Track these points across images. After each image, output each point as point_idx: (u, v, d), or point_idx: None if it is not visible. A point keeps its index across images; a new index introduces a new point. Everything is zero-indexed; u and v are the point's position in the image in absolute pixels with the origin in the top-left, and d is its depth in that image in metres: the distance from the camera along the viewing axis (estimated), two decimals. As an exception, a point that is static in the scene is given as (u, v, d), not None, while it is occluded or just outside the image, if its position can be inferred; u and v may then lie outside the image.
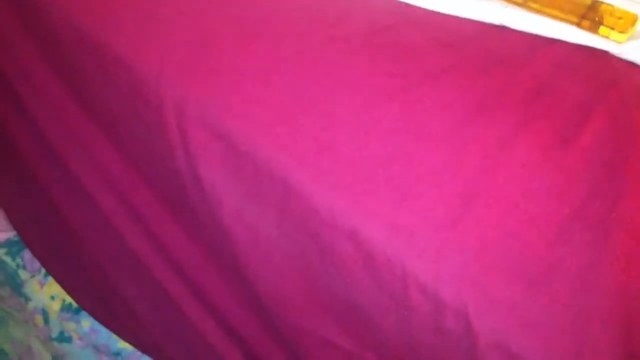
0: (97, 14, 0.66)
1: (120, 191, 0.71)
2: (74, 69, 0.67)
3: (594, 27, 0.65)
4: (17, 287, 0.90)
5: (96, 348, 0.88)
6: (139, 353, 0.85)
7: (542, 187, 0.54)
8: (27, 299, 0.90)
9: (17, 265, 0.90)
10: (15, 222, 0.87)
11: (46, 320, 0.89)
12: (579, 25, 0.65)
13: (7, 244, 0.90)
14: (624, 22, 0.65)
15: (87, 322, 0.87)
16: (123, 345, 0.85)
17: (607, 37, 0.65)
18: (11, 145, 0.79)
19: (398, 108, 0.59)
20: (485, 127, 0.57)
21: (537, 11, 0.65)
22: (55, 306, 0.88)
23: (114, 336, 0.85)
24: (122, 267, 0.74)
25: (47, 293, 0.89)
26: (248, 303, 0.66)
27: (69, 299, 0.87)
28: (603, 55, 0.65)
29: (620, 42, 0.64)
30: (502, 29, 0.65)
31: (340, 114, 0.59)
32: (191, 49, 0.64)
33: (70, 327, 0.88)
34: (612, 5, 0.66)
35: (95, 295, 0.81)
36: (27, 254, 0.90)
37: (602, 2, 0.66)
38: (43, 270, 0.89)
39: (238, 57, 0.62)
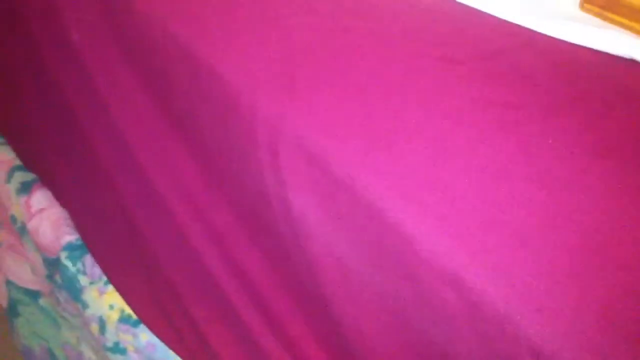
0: (193, 24, 0.63)
1: (198, 206, 0.67)
2: (161, 76, 0.64)
3: None
4: (75, 292, 0.88)
5: (152, 363, 0.84)
6: (196, 372, 0.81)
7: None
8: (85, 305, 0.87)
9: (77, 270, 0.87)
10: (79, 226, 0.84)
11: (102, 330, 0.86)
12: None
13: (69, 247, 0.87)
14: None
15: (145, 336, 0.83)
16: (180, 363, 0.82)
17: None
18: (82, 144, 0.76)
19: (515, 145, 0.54)
20: (614, 176, 0.51)
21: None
22: (114, 316, 0.85)
23: (171, 352, 0.82)
24: (195, 287, 0.70)
25: (106, 302, 0.85)
26: (327, 340, 0.61)
27: (127, 310, 0.84)
28: None
29: None
30: (631, 63, 0.59)
31: (450, 147, 0.54)
32: (288, 65, 0.59)
33: (127, 339, 0.85)
34: None
35: (159, 311, 0.77)
36: (88, 260, 0.87)
37: None
38: (104, 278, 0.86)
39: (339, 76, 0.58)
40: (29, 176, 0.94)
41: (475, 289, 0.49)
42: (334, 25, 0.61)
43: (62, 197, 0.86)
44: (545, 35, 0.63)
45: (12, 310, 1.03)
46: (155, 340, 0.82)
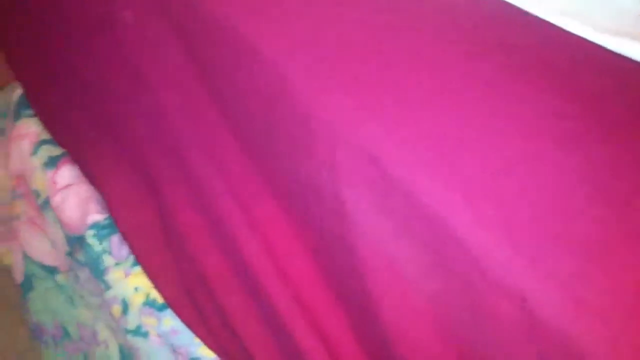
0: (247, 11, 0.62)
1: (240, 193, 0.67)
2: (214, 62, 0.63)
3: None
4: (98, 272, 0.86)
5: (173, 349, 0.84)
6: (219, 362, 0.80)
7: None
8: (108, 286, 0.86)
9: (103, 250, 0.86)
10: (109, 205, 0.83)
11: (125, 311, 0.85)
12: None
13: (96, 226, 0.86)
14: None
15: (169, 321, 0.83)
16: (204, 351, 0.81)
17: None
18: (123, 127, 0.75)
19: (580, 159, 0.53)
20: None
21: None
22: (138, 299, 0.84)
23: (196, 340, 0.81)
24: (228, 277, 0.69)
25: (131, 284, 0.84)
26: (368, 341, 0.61)
27: (153, 294, 0.83)
28: None
29: None
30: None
31: (514, 155, 0.53)
32: (349, 63, 0.58)
33: (150, 322, 0.84)
34: None
35: (188, 299, 0.76)
36: (114, 240, 0.86)
37: None
38: (130, 260, 0.85)
39: (399, 74, 0.57)
40: (57, 151, 0.93)
41: (538, 305, 0.48)
42: (398, 23, 0.60)
43: (92, 175, 0.85)
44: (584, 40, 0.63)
45: (27, 284, 1.02)
46: (179, 326, 0.81)
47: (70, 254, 0.95)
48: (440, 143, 0.55)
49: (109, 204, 0.81)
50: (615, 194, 0.52)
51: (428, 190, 0.53)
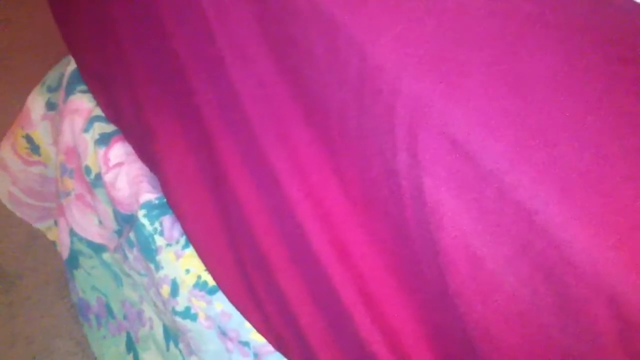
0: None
1: (307, 180, 0.65)
2: (293, 41, 0.61)
3: None
4: (150, 252, 0.85)
5: (223, 332, 0.83)
6: (269, 347, 0.79)
7: None
8: (159, 266, 0.85)
9: (154, 230, 0.85)
10: (164, 185, 0.81)
11: (174, 293, 0.84)
12: None
13: (147, 205, 0.85)
14: None
15: (219, 304, 0.81)
16: (254, 336, 0.80)
17: None
18: (190, 107, 0.73)
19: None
20: None
21: None
22: (189, 280, 0.83)
23: (247, 324, 0.80)
24: (291, 264, 0.68)
25: (183, 265, 0.83)
26: (444, 337, 0.59)
27: (204, 276, 0.82)
28: None
29: None
30: None
31: (613, 148, 0.51)
32: (441, 47, 0.56)
33: (200, 305, 0.83)
34: None
35: (242, 282, 0.75)
36: (167, 220, 0.85)
37: None
38: (181, 241, 0.84)
39: (492, 64, 0.55)
40: (109, 128, 0.92)
41: (633, 306, 0.46)
42: (493, 9, 0.57)
43: (148, 153, 0.84)
44: None
45: (73, 261, 1.02)
46: (230, 309, 0.80)
47: (118, 232, 0.94)
48: (533, 134, 0.52)
49: (165, 182, 0.80)
50: None
51: (521, 183, 0.51)
